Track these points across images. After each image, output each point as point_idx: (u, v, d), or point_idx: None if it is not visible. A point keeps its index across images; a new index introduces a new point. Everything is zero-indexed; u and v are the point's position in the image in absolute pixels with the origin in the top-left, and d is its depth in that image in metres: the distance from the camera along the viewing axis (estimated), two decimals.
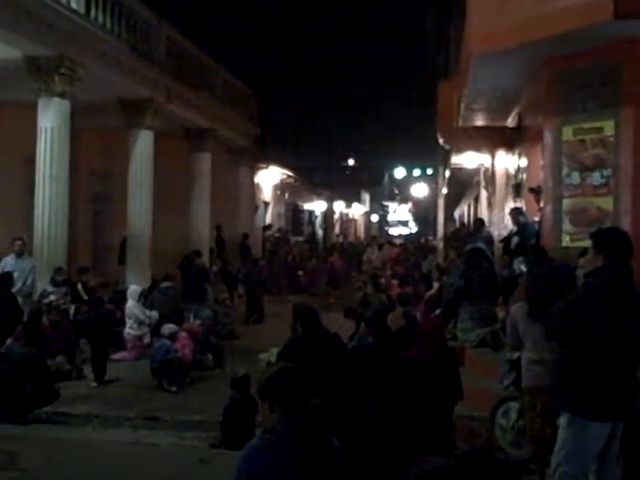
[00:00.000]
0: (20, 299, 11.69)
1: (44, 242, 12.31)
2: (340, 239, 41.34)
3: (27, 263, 12.25)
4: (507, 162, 14.28)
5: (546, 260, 8.05)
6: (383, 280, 16.56)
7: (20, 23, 10.90)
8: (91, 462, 6.91)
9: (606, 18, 7.27)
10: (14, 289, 11.63)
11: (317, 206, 39.36)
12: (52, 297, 11.58)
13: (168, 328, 11.08)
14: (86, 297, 12.65)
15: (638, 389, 4.75)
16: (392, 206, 73.80)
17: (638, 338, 4.68)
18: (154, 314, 12.79)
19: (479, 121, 13.87)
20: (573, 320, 4.76)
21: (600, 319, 4.62)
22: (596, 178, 8.36)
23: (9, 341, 9.67)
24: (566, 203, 8.65)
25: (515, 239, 10.53)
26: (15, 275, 11.73)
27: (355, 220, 56.72)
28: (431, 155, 32.45)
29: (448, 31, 21.89)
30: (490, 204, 17.30)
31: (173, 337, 10.89)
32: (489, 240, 12.49)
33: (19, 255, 12.21)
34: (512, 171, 13.41)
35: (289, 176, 29.67)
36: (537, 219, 10.16)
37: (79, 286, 12.62)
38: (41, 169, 12.29)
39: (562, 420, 4.84)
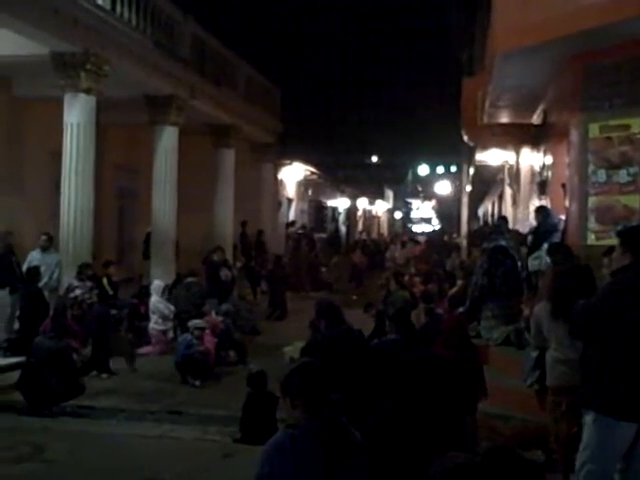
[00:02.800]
0: (46, 293, 11.83)
1: (70, 237, 12.41)
2: (363, 236, 41.25)
3: (53, 257, 12.36)
4: (532, 159, 14.19)
5: (568, 258, 7.96)
6: (406, 277, 16.51)
7: (47, 20, 11.01)
8: (115, 455, 6.98)
9: (633, 14, 7.20)
10: (40, 283, 11.77)
11: (340, 203, 39.29)
12: (78, 292, 11.68)
13: (194, 323, 11.15)
14: (111, 291, 12.75)
15: None
16: (415, 203, 73.53)
17: None
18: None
19: (504, 118, 13.79)
20: (597, 318, 4.72)
21: (624, 317, 4.58)
22: (623, 176, 8.28)
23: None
24: (592, 201, 8.57)
25: (530, 237, 10.50)
26: (41, 269, 11.87)
27: (378, 217, 56.60)
28: (455, 152, 32.29)
29: (473, 27, 21.78)
30: (515, 202, 17.21)
31: (198, 332, 10.94)
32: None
33: (45, 249, 12.34)
34: (537, 168, 13.32)
35: (312, 173, 29.64)
36: (563, 217, 10.08)
37: (104, 280, 12.71)
38: (67, 164, 12.40)
39: (587, 418, 4.79)
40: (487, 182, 25.51)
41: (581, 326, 4.92)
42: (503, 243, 11.19)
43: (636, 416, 4.56)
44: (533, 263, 9.86)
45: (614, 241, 5.03)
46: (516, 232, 12.65)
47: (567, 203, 9.54)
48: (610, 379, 4.61)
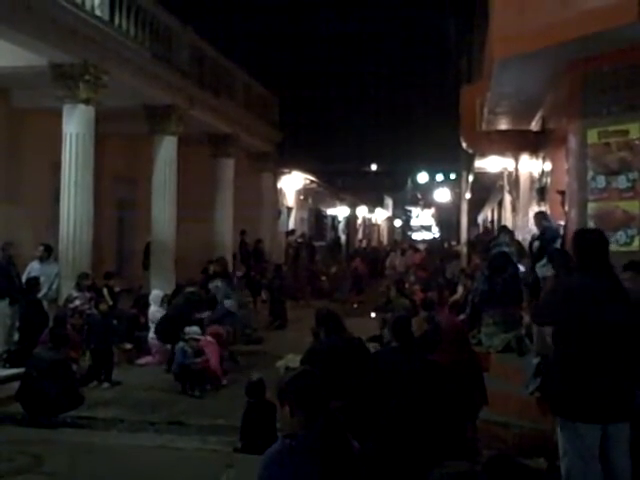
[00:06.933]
0: (45, 304, 11.81)
1: (69, 247, 12.39)
2: (363, 244, 41.26)
3: (52, 268, 12.34)
4: (531, 166, 14.18)
5: (567, 264, 7.94)
6: (406, 285, 16.50)
7: (45, 31, 11.02)
8: (115, 466, 6.95)
9: (631, 20, 7.19)
10: (40, 294, 11.75)
11: (340, 211, 39.30)
12: (77, 302, 11.67)
13: (190, 332, 11.11)
14: (111, 302, 12.72)
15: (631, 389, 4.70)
16: (415, 211, 73.64)
17: (613, 340, 4.64)
18: None
19: (502, 125, 13.77)
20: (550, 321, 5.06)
21: (572, 322, 4.69)
22: (622, 181, 8.27)
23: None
24: (591, 207, 8.56)
25: (536, 243, 10.47)
26: (41, 280, 11.85)
27: (378, 225, 56.60)
28: (454, 160, 32.28)
29: (470, 34, 21.81)
30: (514, 208, 17.20)
31: (193, 342, 10.92)
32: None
33: (42, 260, 12.31)
34: (536, 175, 13.31)
35: (312, 181, 29.62)
36: (562, 223, 10.07)
37: (105, 291, 12.69)
38: (66, 175, 12.39)
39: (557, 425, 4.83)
40: (486, 189, 25.49)
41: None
42: (505, 249, 11.20)
43: (595, 418, 4.58)
44: (542, 270, 9.85)
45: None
46: (518, 242, 12.66)
47: (565, 209, 9.53)
48: (566, 383, 4.69)
